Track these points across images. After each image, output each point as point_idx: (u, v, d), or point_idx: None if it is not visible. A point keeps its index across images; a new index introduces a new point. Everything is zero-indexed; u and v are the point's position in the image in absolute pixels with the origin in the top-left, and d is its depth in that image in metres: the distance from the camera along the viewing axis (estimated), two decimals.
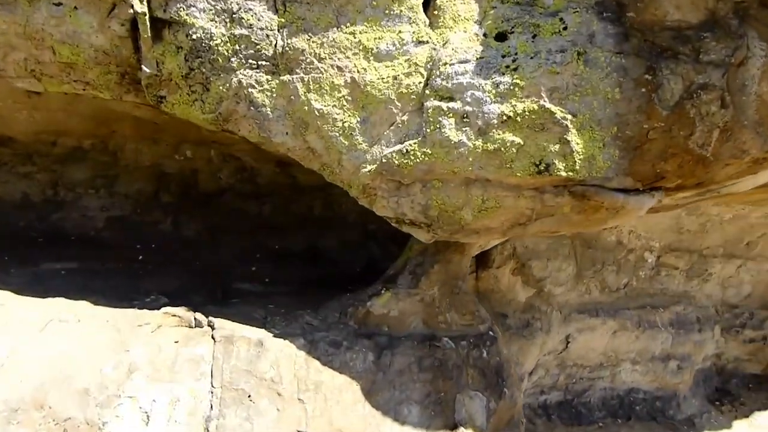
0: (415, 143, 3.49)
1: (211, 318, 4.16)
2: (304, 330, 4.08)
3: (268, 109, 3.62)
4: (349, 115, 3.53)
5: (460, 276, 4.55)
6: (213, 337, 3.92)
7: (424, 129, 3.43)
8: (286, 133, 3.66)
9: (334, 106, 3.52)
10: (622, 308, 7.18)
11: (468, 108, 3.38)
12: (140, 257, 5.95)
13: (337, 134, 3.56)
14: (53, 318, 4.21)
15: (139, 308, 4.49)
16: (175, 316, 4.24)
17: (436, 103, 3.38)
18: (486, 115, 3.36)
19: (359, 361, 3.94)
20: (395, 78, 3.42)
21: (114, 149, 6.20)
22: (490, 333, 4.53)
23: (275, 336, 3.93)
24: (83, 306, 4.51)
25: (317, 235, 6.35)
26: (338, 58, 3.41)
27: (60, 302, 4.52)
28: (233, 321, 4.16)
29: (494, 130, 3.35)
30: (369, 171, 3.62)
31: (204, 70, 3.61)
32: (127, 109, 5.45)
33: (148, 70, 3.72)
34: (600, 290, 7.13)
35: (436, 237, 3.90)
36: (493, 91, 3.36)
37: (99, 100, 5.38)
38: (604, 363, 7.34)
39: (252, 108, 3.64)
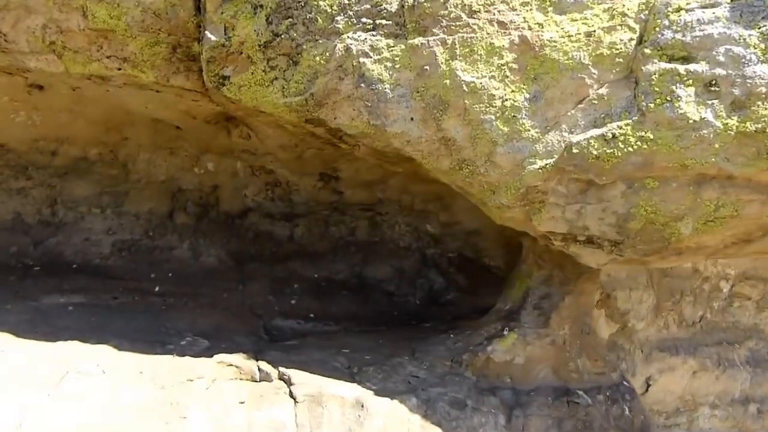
0: (626, 125, 2.62)
1: (282, 369, 3.20)
2: (410, 385, 3.15)
3: (387, 85, 2.76)
4: (514, 90, 2.69)
5: (589, 311, 3.69)
6: (292, 396, 2.97)
7: (639, 104, 2.58)
8: (411, 119, 2.80)
9: (492, 77, 2.67)
10: (701, 345, 6.36)
11: (719, 71, 2.52)
12: (156, 288, 4.94)
13: (493, 117, 2.70)
14: (69, 369, 3.21)
15: (179, 354, 3.52)
16: (231, 365, 3.28)
17: (664, 65, 2.53)
18: (748, 82, 2.50)
19: (489, 426, 3.02)
20: (589, 35, 2.59)
21: (124, 160, 5.22)
22: (625, 383, 3.67)
23: (376, 394, 2.99)
24: (105, 352, 3.53)
25: (363, 262, 5.43)
26: (500, 11, 2.57)
27: (74, 347, 3.54)
28: (309, 372, 3.21)
29: (759, 104, 2.49)
30: (540, 168, 2.76)
31: (294, 35, 2.75)
32: (151, 108, 4.52)
33: (213, 38, 2.84)
34: (678, 324, 6.30)
35: (616, 260, 3.04)
36: (762, 46, 2.50)
37: (112, 98, 4.46)
38: (680, 408, 6.46)
39: (362, 85, 2.78)
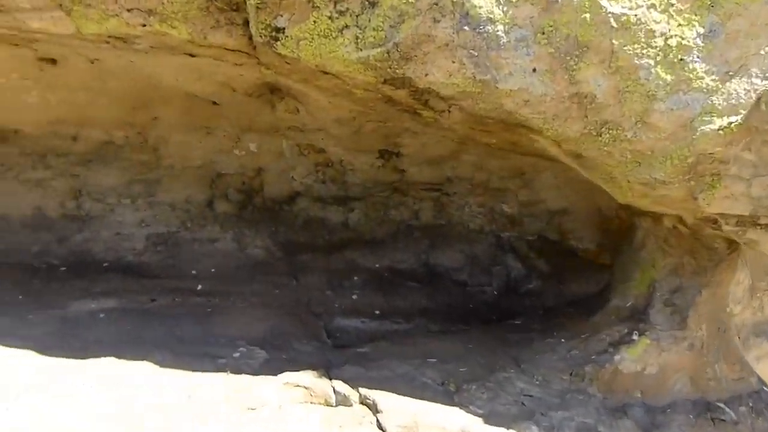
0: None
1: (363, 390, 2.56)
2: (525, 407, 2.49)
3: (499, 26, 2.06)
4: (681, 24, 1.97)
5: (724, 305, 2.97)
6: (381, 428, 2.32)
7: None
8: (533, 70, 2.10)
9: (651, 6, 1.95)
10: None
11: None
12: (199, 287, 4.34)
13: (651, 62, 2.00)
14: (106, 396, 2.61)
15: (233, 371, 2.91)
16: (299, 386, 2.65)
17: None
18: None
19: None
20: None
21: (155, 143, 4.59)
22: (765, 389, 2.95)
23: (486, 421, 2.34)
24: (144, 370, 2.93)
25: (430, 248, 4.77)
26: None
27: (109, 366, 2.94)
28: (396, 393, 2.56)
29: None
30: (720, 128, 2.03)
31: None
32: (183, 80, 3.88)
33: None
34: None
35: None
36: None
37: (137, 71, 3.81)
38: None
39: (466, 28, 2.08)
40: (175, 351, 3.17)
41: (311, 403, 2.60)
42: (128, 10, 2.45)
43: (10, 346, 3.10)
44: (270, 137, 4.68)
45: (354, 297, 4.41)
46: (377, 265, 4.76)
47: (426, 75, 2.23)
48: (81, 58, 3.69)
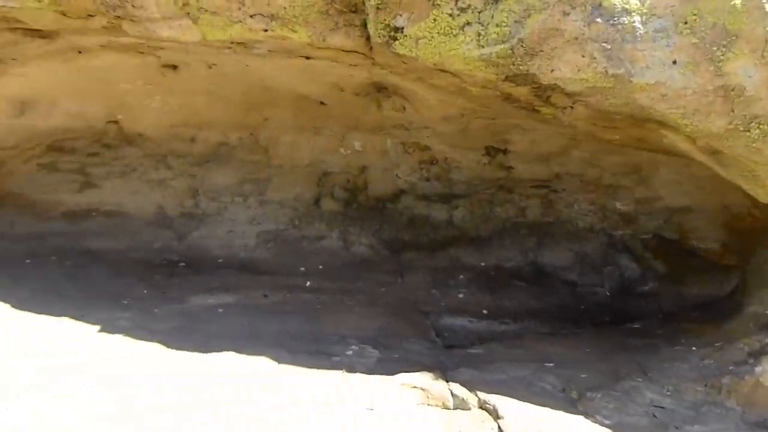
0: None
1: (481, 394, 2.50)
2: (656, 419, 2.36)
3: (636, 17, 1.95)
4: None
5: None
6: None
7: None
8: (673, 63, 1.97)
9: None
10: None
11: None
12: (307, 284, 4.43)
13: None
14: (225, 393, 2.69)
15: (348, 369, 2.93)
16: (416, 387, 2.63)
17: None
18: None
19: None
20: None
21: (266, 144, 4.75)
22: None
23: None
24: (263, 366, 3.00)
25: (537, 246, 4.63)
26: None
27: (230, 361, 3.03)
28: (516, 398, 2.49)
29: None
30: None
31: None
32: (295, 82, 3.96)
33: None
34: None
35: None
36: None
37: (252, 74, 3.93)
38: None
39: (599, 20, 1.98)
40: (290, 348, 3.24)
41: (428, 405, 2.58)
42: (251, 16, 2.52)
43: (140, 339, 3.28)
44: (375, 136, 4.71)
45: (460, 296, 4.35)
46: (483, 264, 4.68)
47: (552, 71, 2.14)
48: (200, 64, 3.85)
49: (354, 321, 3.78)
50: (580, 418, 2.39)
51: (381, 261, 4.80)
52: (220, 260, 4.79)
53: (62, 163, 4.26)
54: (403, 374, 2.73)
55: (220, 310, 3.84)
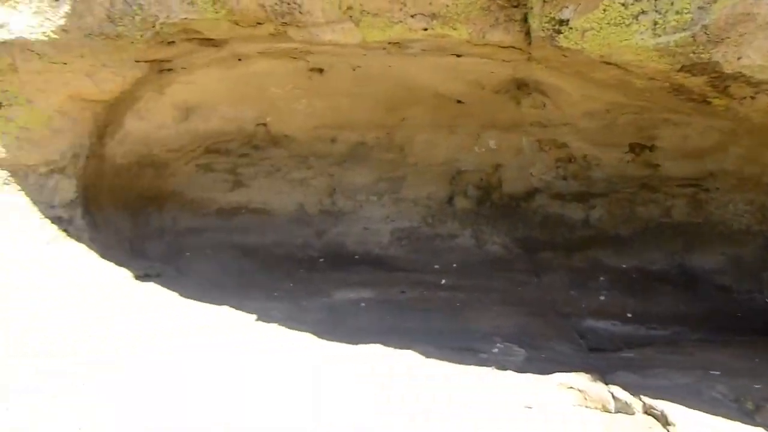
0: None
1: (646, 399, 2.40)
2: None
3: None
4: None
5: None
6: None
7: None
8: None
9: None
10: None
11: None
12: (442, 281, 4.47)
13: None
14: (371, 388, 2.76)
15: (499, 367, 2.92)
16: (573, 388, 2.56)
17: None
18: None
19: None
20: None
21: (401, 143, 4.83)
22: None
23: None
24: (411, 360, 3.04)
25: (685, 249, 4.37)
26: None
27: (376, 354, 3.10)
28: (685, 405, 2.36)
29: None
30: None
31: None
32: (437, 80, 4.00)
33: None
34: None
35: None
36: None
37: (394, 74, 4.01)
38: None
39: None
40: (435, 343, 3.27)
41: (587, 407, 2.52)
42: (412, 16, 2.58)
43: (293, 329, 3.45)
44: (510, 134, 4.66)
45: (601, 298, 4.20)
46: (624, 266, 4.49)
47: (738, 58, 2.02)
48: (346, 67, 3.99)
49: (494, 319, 3.76)
50: (761, 430, 2.23)
51: (515, 260, 4.74)
52: (356, 256, 4.95)
53: (217, 164, 4.57)
54: (559, 374, 2.68)
55: (362, 305, 3.96)
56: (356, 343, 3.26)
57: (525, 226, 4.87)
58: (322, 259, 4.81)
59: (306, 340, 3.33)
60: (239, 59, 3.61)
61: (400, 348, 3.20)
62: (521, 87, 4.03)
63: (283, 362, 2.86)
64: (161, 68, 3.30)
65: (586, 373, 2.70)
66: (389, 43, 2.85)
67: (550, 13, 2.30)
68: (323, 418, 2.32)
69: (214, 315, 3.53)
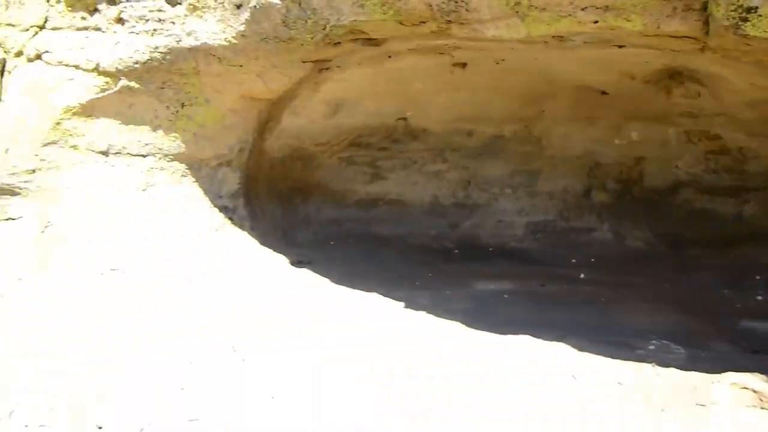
0: None
1: None
2: None
3: None
4: None
5: None
6: None
7: None
8: None
9: None
10: None
11: None
12: (581, 276, 4.41)
13: None
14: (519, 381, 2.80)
15: (660, 364, 2.86)
16: (747, 389, 2.48)
17: None
18: None
19: None
20: None
21: (539, 135, 4.82)
22: None
23: None
24: (565, 352, 3.05)
25: None
26: None
27: (527, 344, 3.14)
28: None
29: None
30: None
31: None
32: (580, 72, 3.96)
33: None
34: None
35: None
36: None
37: (537, 67, 4.03)
38: None
39: None
40: (588, 336, 3.26)
41: (762, 408, 2.44)
42: (582, 9, 2.58)
43: (441, 317, 3.56)
44: (654, 125, 4.52)
45: (758, 298, 4.00)
46: None
47: None
48: (489, 61, 4.03)
49: (644, 316, 3.68)
50: None
51: (659, 256, 4.60)
52: (490, 249, 4.99)
53: (358, 157, 4.77)
54: (731, 373, 2.61)
55: (506, 296, 4.00)
56: (505, 333, 3.32)
57: (669, 221, 4.71)
58: (457, 251, 4.90)
59: (456, 327, 3.43)
60: (389, 56, 3.75)
61: (551, 340, 3.22)
62: (674, 76, 3.90)
63: (435, 348, 2.98)
64: (321, 67, 3.50)
65: (762, 374, 2.61)
66: (552, 36, 2.86)
67: (737, 1, 2.23)
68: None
69: (364, 301, 3.71)
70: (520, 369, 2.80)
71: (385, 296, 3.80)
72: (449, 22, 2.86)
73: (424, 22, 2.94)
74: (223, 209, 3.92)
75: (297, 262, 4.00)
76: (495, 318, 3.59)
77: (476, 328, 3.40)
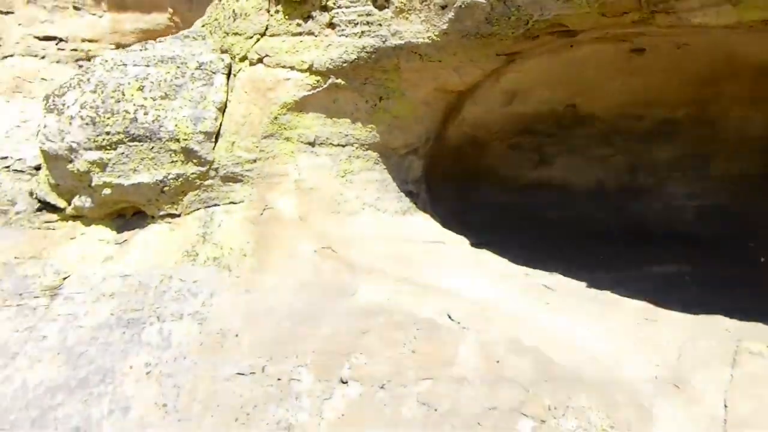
0: None
1: None
2: None
3: None
4: None
5: None
6: None
7: None
8: None
9: None
10: None
11: None
12: (762, 259, 4.33)
13: None
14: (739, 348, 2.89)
15: None
16: None
17: None
18: None
19: None
20: None
21: (713, 118, 4.75)
22: None
23: None
24: None
25: None
26: None
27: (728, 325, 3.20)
28: None
29: None
30: None
31: None
32: (764, 51, 3.89)
33: None
34: None
35: None
36: None
37: (717, 48, 4.00)
38: None
39: None
40: None
41: None
42: None
43: (624, 296, 3.69)
44: None
45: None
46: None
47: None
48: (669, 45, 4.05)
49: None
50: None
51: None
52: (658, 232, 5.00)
53: (525, 143, 4.94)
54: None
55: (687, 278, 4.05)
56: (696, 314, 3.40)
57: None
58: (623, 234, 4.94)
59: (642, 305, 3.55)
60: (571, 45, 3.88)
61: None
62: None
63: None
64: (510, 60, 3.71)
65: None
66: (761, 21, 2.90)
67: None
68: None
69: (546, 279, 3.90)
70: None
71: (567, 276, 3.98)
72: (654, 12, 2.97)
73: (626, 13, 3.06)
74: (409, 194, 4.26)
75: (476, 244, 4.26)
76: (683, 299, 3.66)
77: (667, 308, 3.51)
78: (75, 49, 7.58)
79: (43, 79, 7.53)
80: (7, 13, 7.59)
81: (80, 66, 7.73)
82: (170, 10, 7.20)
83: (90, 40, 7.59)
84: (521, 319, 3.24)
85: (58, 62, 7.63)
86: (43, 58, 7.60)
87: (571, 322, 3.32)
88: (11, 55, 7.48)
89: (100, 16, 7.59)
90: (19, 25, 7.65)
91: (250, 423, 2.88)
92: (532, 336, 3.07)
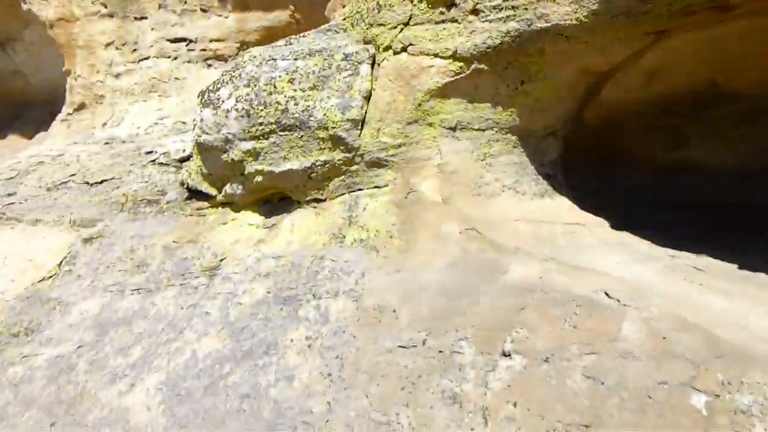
0: None
1: None
2: None
3: None
4: None
5: None
6: None
7: None
8: None
9: None
10: None
11: None
12: None
13: None
14: None
15: None
16: None
17: None
18: None
19: None
20: None
21: None
22: None
23: None
24: None
25: None
26: None
27: None
28: None
29: None
30: None
31: None
32: None
33: None
34: None
35: None
36: None
37: None
38: None
39: None
40: None
41: None
42: None
43: None
44: None
45: None
46: None
47: None
48: None
49: None
50: None
51: None
52: None
53: (661, 125, 4.84)
54: None
55: None
56: None
57: None
58: (750, 215, 4.75)
59: None
60: (721, 21, 3.78)
61: None
62: None
63: None
64: (657, 38, 3.66)
65: None
66: None
67: None
68: None
69: (697, 261, 3.83)
70: None
71: (713, 258, 3.89)
72: None
73: None
74: (546, 176, 4.29)
75: (616, 225, 4.24)
76: None
77: None
78: (204, 49, 8.07)
79: (176, 78, 8.10)
80: (142, 18, 8.18)
81: (209, 65, 8.25)
82: (291, 7, 7.52)
83: (217, 40, 8.05)
84: (678, 298, 3.22)
85: (188, 62, 8.16)
86: (175, 59, 8.14)
87: (729, 301, 3.26)
88: (146, 58, 8.07)
89: (226, 17, 8.03)
90: (152, 29, 8.23)
91: (416, 392, 3.04)
92: (693, 314, 3.05)
